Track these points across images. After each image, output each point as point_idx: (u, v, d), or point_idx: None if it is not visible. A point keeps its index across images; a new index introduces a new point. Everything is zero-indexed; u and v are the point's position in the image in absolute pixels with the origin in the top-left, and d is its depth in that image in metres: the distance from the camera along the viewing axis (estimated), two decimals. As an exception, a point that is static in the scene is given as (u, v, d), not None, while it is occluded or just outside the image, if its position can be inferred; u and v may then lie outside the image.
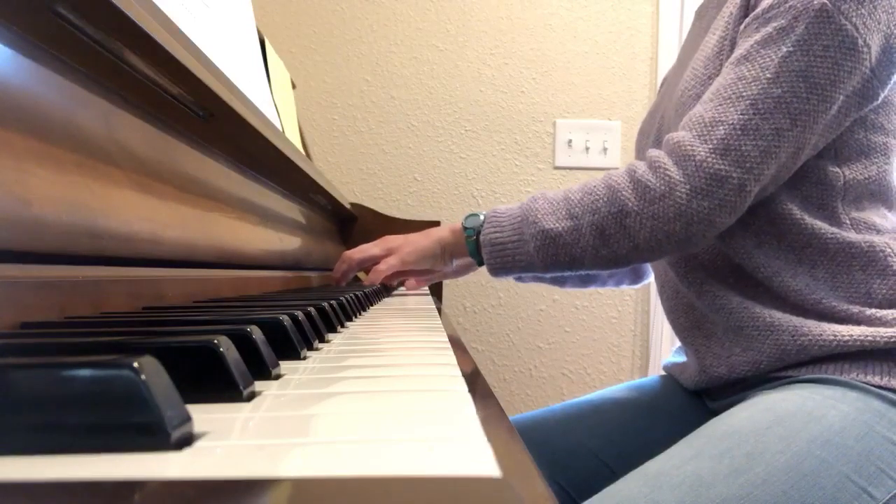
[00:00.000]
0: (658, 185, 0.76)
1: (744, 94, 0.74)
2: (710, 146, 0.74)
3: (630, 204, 0.77)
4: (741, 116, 0.73)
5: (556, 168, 1.96)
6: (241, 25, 1.05)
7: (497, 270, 0.87)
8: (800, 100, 0.72)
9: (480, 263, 0.91)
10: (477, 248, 0.89)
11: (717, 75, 0.80)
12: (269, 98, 1.17)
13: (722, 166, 0.74)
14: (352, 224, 1.73)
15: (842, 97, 0.73)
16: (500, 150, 1.96)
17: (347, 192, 1.92)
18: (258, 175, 0.99)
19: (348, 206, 1.61)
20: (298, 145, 1.37)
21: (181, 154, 0.70)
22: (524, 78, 1.96)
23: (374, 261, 1.05)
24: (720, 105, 0.75)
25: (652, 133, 0.95)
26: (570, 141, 1.96)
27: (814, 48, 0.72)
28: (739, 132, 0.73)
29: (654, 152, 0.79)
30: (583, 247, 0.80)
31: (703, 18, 0.93)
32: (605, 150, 1.95)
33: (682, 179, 0.75)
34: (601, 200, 0.79)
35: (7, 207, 0.39)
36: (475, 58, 1.95)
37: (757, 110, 0.73)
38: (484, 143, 1.96)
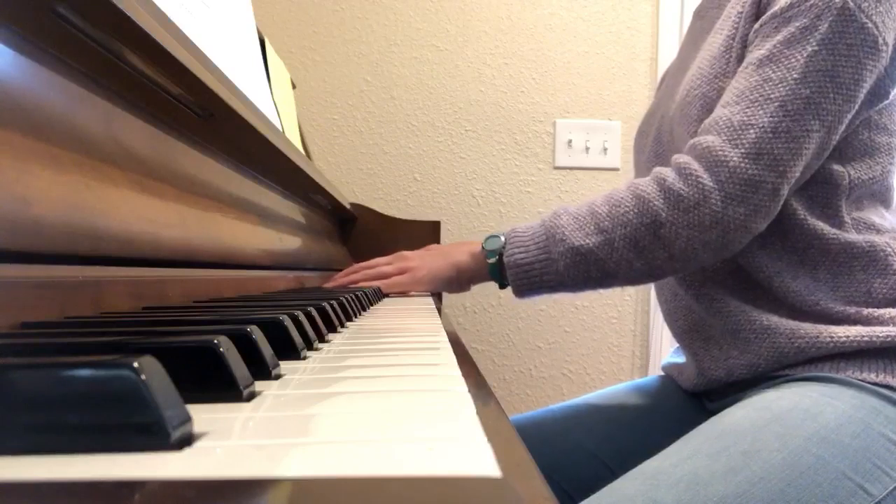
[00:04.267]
0: (691, 192, 0.74)
1: (772, 95, 0.72)
2: (742, 150, 0.72)
3: (663, 214, 0.75)
4: (771, 119, 0.72)
5: (556, 168, 1.96)
6: (241, 25, 1.05)
7: (523, 292, 0.84)
8: (827, 100, 0.71)
9: (503, 286, 0.89)
10: (499, 270, 0.87)
11: (724, 74, 0.80)
12: (269, 98, 1.17)
13: (756, 171, 0.72)
14: (352, 224, 1.73)
15: (862, 96, 0.73)
16: (500, 150, 1.96)
17: (347, 192, 1.92)
18: (258, 175, 0.99)
19: (348, 206, 1.61)
20: (298, 145, 1.37)
21: (181, 154, 0.70)
22: (524, 78, 1.96)
23: (385, 277, 1.03)
24: (748, 108, 0.73)
25: (651, 133, 0.95)
26: (570, 141, 1.96)
27: (838, 47, 0.71)
28: (770, 135, 0.72)
29: (681, 158, 0.77)
30: (616, 261, 0.78)
31: (704, 18, 0.92)
32: (605, 150, 1.95)
33: (715, 186, 0.73)
34: (631, 212, 0.77)
35: (7, 207, 0.39)
36: (475, 58, 1.95)
37: (787, 112, 0.72)
38: (484, 143, 1.96)
